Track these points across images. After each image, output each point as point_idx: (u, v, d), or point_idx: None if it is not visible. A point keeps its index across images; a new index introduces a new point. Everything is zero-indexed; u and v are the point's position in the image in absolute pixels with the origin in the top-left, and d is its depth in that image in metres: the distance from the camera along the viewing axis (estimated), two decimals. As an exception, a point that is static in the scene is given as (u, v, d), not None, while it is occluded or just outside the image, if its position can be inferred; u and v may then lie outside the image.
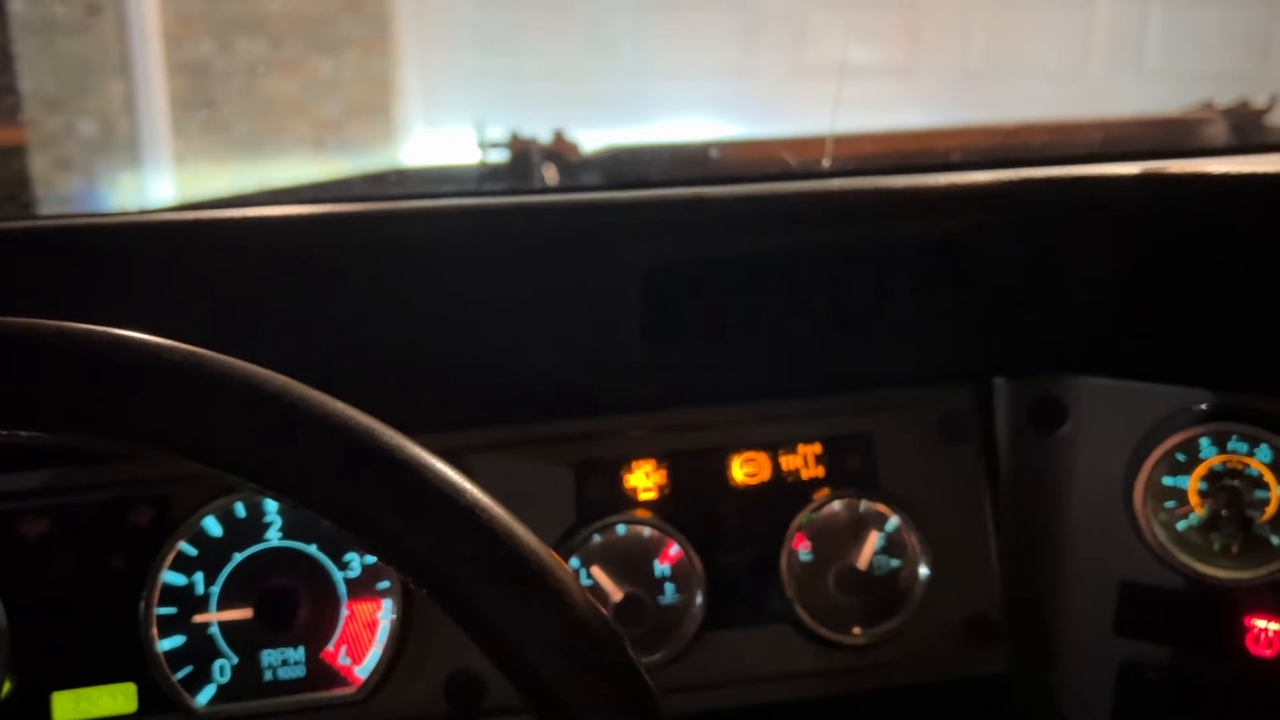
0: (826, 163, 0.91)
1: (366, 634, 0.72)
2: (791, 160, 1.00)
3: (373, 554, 0.46)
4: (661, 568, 0.75)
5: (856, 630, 0.76)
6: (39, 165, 3.22)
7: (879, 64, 3.71)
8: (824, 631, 0.75)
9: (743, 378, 0.76)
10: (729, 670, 0.76)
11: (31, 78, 3.22)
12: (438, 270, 0.71)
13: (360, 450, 0.42)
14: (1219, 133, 1.16)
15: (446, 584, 0.42)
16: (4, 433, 0.40)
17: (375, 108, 3.68)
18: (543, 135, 1.10)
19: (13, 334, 0.40)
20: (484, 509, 0.42)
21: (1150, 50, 3.91)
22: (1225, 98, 1.19)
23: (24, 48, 3.19)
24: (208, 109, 3.48)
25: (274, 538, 0.71)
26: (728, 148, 1.21)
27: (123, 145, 3.31)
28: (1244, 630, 0.75)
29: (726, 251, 0.74)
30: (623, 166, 1.16)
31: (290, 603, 0.70)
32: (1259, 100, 1.17)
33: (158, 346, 0.41)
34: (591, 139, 1.10)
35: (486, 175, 1.10)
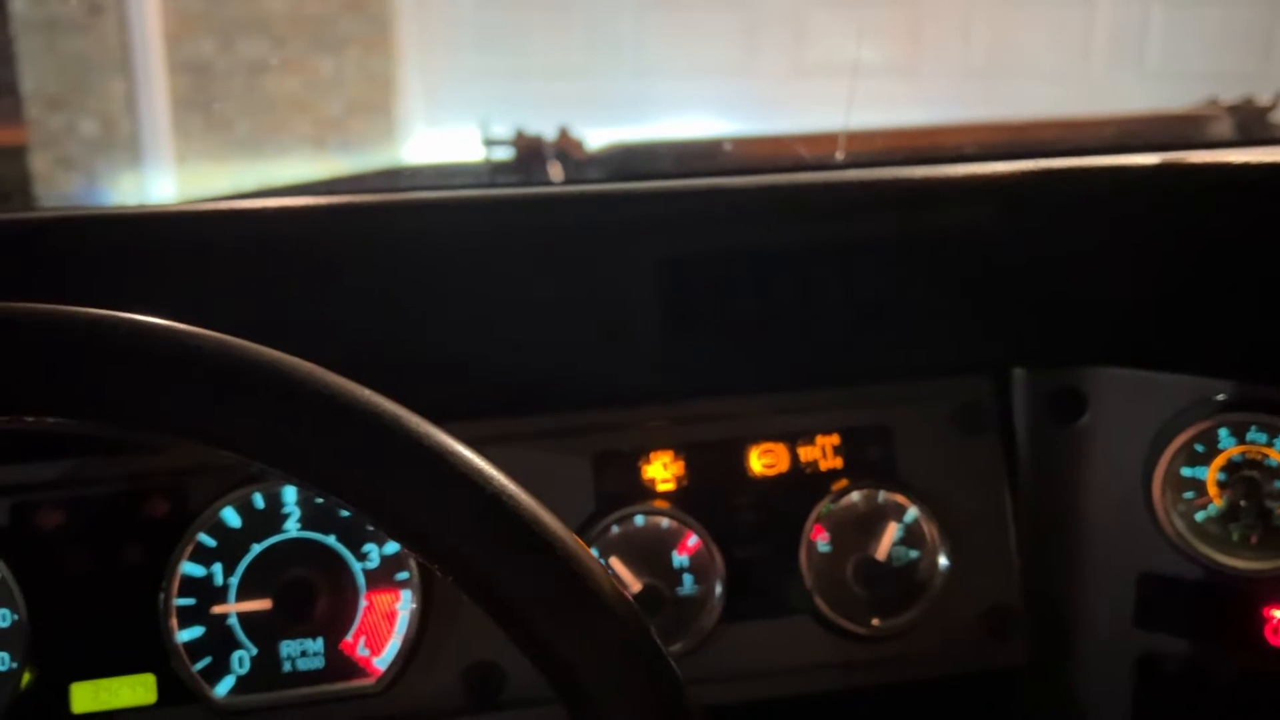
0: (840, 155, 0.90)
1: (385, 625, 0.71)
2: (805, 154, 0.99)
3: (399, 541, 0.46)
4: (680, 559, 0.75)
5: (875, 621, 0.75)
6: (40, 164, 3.22)
7: (881, 62, 3.72)
8: (843, 623, 0.75)
9: (760, 369, 0.76)
10: (747, 662, 0.76)
11: (33, 77, 3.21)
12: (452, 262, 0.71)
13: (385, 435, 0.42)
14: (1225, 129, 1.16)
15: (473, 571, 0.42)
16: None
17: (377, 107, 3.68)
18: (545, 134, 1.09)
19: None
20: (511, 495, 0.42)
21: (1151, 50, 3.92)
22: (1228, 97, 1.19)
23: (25, 47, 3.19)
24: (209, 108, 3.48)
25: (293, 528, 0.71)
26: (736, 143, 1.21)
27: (124, 144, 3.31)
28: (1263, 621, 0.75)
29: (743, 242, 0.74)
30: (629, 162, 1.15)
31: (309, 594, 0.70)
32: (1263, 98, 1.17)
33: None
34: (593, 138, 1.10)
35: (492, 171, 1.10)
